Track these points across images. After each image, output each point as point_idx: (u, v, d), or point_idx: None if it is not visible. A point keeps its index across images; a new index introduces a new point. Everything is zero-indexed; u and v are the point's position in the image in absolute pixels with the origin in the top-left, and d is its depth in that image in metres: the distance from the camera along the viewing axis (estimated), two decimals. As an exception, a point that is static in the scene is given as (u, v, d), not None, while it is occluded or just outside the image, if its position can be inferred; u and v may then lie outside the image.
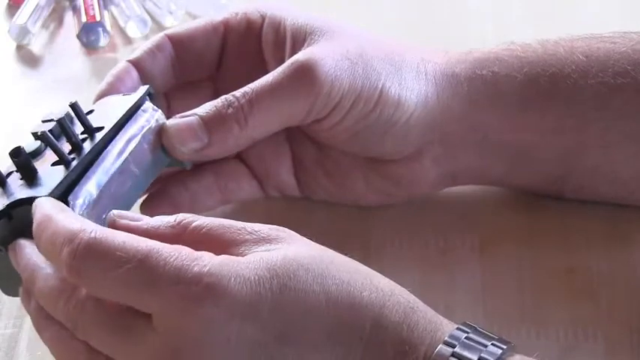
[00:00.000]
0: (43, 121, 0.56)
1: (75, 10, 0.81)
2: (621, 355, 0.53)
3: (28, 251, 0.49)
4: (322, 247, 0.47)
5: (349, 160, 0.60)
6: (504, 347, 0.45)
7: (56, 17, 0.82)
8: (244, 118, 0.55)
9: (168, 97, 0.61)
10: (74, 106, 0.54)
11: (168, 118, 0.57)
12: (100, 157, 0.52)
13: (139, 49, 0.60)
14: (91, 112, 0.56)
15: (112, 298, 0.44)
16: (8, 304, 0.58)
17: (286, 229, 0.47)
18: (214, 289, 0.42)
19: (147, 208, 0.59)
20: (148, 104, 0.56)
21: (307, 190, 0.62)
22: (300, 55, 0.56)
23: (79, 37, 0.78)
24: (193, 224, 0.47)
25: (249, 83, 0.56)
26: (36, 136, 0.55)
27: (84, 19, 0.78)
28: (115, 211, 0.49)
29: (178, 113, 0.61)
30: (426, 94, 0.57)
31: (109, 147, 0.53)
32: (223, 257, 0.44)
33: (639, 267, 0.57)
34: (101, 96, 0.58)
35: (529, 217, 0.60)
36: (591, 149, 0.58)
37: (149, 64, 0.59)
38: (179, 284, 0.43)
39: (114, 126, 0.54)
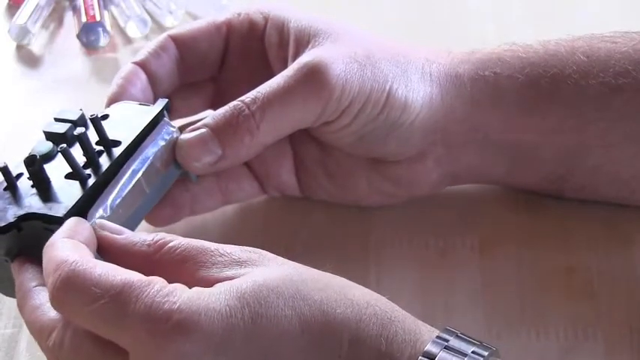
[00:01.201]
0: (56, 120, 0.55)
1: (75, 10, 0.81)
2: (621, 355, 0.53)
3: (25, 276, 0.49)
4: (294, 265, 0.47)
5: (351, 161, 0.60)
6: (486, 353, 0.44)
7: (56, 17, 0.82)
8: (256, 126, 0.55)
9: (170, 98, 0.61)
10: (95, 121, 0.53)
11: (170, 119, 0.57)
12: (116, 177, 0.52)
13: (143, 50, 0.60)
14: (105, 117, 0.55)
15: (91, 329, 0.45)
16: (8, 304, 0.58)
17: (259, 250, 0.47)
18: (185, 326, 0.42)
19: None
20: (165, 120, 0.56)
21: (308, 190, 0.62)
22: (309, 58, 0.55)
23: (79, 37, 0.78)
24: (168, 245, 0.47)
25: (251, 84, 0.56)
26: (48, 135, 0.54)
27: (84, 19, 0.78)
28: (97, 221, 0.50)
29: (180, 114, 0.61)
30: (430, 95, 0.57)
31: (125, 166, 0.53)
32: (194, 291, 0.44)
33: (639, 267, 0.58)
34: (112, 99, 0.57)
35: (529, 217, 0.60)
36: (592, 149, 0.58)
37: (154, 66, 0.59)
38: (149, 322, 0.43)
39: (131, 143, 0.53)
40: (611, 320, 0.55)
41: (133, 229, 0.52)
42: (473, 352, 0.44)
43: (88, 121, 0.54)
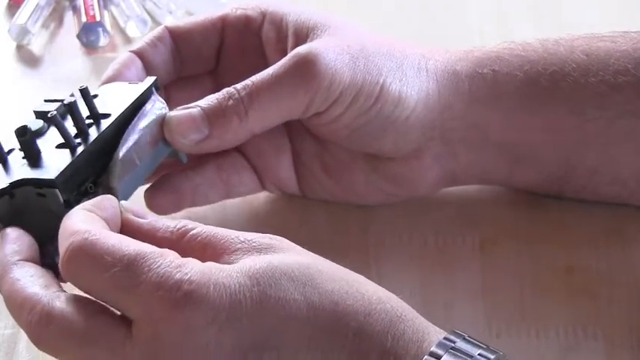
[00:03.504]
0: (46, 101, 0.55)
1: (75, 10, 0.81)
2: (621, 354, 0.53)
3: (9, 247, 0.49)
4: (314, 255, 0.47)
5: (348, 157, 0.60)
6: (492, 357, 0.44)
7: (56, 17, 0.82)
8: (245, 111, 0.55)
9: (168, 91, 0.61)
10: (84, 91, 0.54)
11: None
12: (119, 146, 0.53)
13: (141, 40, 0.60)
14: (95, 96, 0.56)
15: (99, 298, 0.45)
16: (8, 304, 0.58)
17: (280, 237, 0.47)
18: (193, 296, 0.43)
19: (150, 196, 0.59)
20: (154, 96, 0.56)
21: (306, 186, 0.62)
22: (301, 49, 0.56)
23: (79, 37, 0.78)
24: (191, 232, 0.47)
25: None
26: (38, 114, 0.54)
27: (84, 19, 0.78)
28: (123, 203, 0.50)
29: (178, 107, 0.61)
30: (427, 90, 0.57)
31: (119, 138, 0.53)
32: (207, 265, 0.44)
33: (639, 266, 0.58)
34: (106, 82, 0.58)
35: (529, 215, 0.61)
36: (592, 147, 0.58)
37: (151, 55, 0.60)
38: (160, 290, 0.43)
39: (121, 114, 0.54)
40: (611, 320, 0.55)
41: (126, 198, 0.53)
42: (479, 354, 0.44)
43: (79, 99, 0.54)
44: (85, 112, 0.54)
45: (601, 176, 0.59)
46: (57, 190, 0.50)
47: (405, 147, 0.58)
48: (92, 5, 0.79)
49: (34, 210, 0.50)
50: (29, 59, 0.78)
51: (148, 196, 0.59)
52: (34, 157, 0.52)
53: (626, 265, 0.58)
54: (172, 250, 0.46)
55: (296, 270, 0.45)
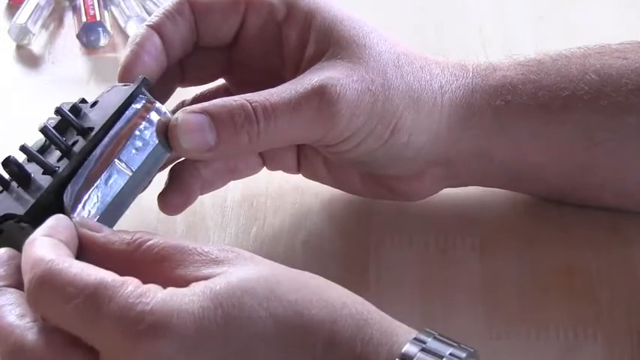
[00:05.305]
0: (50, 119, 0.54)
1: (75, 10, 0.81)
2: (621, 355, 0.53)
3: None
4: (270, 264, 0.47)
5: (349, 164, 0.60)
6: (463, 355, 0.44)
7: (56, 17, 0.82)
8: (257, 134, 0.53)
9: (182, 62, 0.59)
10: (59, 111, 0.53)
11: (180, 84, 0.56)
12: (87, 162, 0.51)
13: (158, 12, 0.57)
14: (95, 103, 0.55)
15: (65, 328, 0.45)
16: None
17: (236, 249, 0.47)
18: (157, 328, 0.42)
19: (164, 199, 0.58)
20: (141, 97, 0.53)
21: (306, 174, 0.61)
22: (324, 80, 0.54)
23: (79, 37, 0.78)
24: (147, 244, 0.47)
25: (262, 65, 0.56)
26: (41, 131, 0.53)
27: (84, 19, 0.78)
28: (77, 218, 0.49)
29: (192, 79, 0.59)
30: (437, 128, 0.56)
31: (96, 150, 0.51)
32: (168, 292, 0.44)
33: (639, 267, 0.58)
34: (126, 67, 0.55)
35: (529, 216, 0.60)
36: (599, 167, 0.57)
37: (170, 31, 0.57)
38: (122, 323, 0.43)
39: (102, 127, 0.52)
40: (611, 320, 0.55)
41: (123, 209, 0.52)
42: (450, 354, 0.44)
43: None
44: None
45: (607, 191, 0.58)
46: (29, 226, 0.49)
47: (407, 173, 0.58)
48: (92, 5, 0.79)
49: (20, 243, 0.49)
50: (29, 59, 0.78)
51: (163, 199, 0.57)
52: (25, 183, 0.51)
53: (626, 265, 0.58)
54: (128, 262, 0.46)
55: (256, 285, 0.44)
